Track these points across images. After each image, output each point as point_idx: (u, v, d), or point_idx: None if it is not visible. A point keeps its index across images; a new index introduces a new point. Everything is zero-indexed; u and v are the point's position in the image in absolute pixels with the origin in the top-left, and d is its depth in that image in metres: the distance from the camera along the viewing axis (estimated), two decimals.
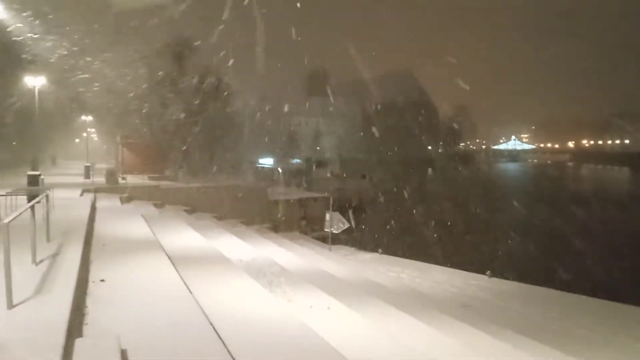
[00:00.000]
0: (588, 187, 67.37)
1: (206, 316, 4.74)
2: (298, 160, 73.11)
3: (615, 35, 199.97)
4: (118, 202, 15.51)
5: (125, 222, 10.38)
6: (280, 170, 47.38)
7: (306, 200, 27.59)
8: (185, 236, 10.35)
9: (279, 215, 23.96)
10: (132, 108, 28.58)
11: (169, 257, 7.28)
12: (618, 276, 18.11)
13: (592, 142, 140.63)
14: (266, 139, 64.47)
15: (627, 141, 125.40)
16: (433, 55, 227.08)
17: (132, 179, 22.33)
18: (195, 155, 30.64)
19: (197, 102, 29.17)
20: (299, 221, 25.61)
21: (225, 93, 32.04)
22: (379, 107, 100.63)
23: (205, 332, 4.33)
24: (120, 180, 20.89)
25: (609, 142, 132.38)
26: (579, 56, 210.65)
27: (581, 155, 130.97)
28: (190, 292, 5.47)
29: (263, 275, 8.38)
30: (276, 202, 24.99)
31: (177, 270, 6.45)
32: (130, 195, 17.54)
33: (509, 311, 9.43)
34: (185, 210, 18.13)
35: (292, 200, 26.07)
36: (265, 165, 54.95)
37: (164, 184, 21.78)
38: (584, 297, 12.41)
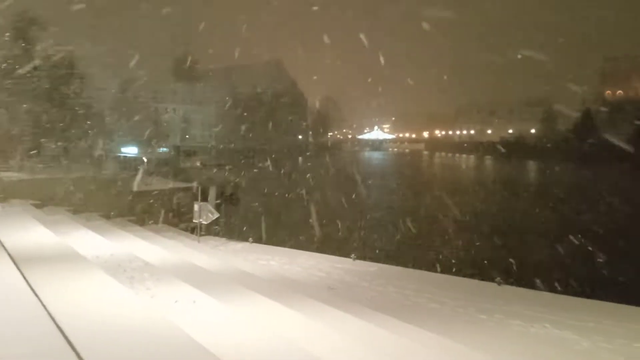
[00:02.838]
0: (439, 173, 74.14)
1: (54, 320, 4.33)
2: (165, 149, 69.92)
3: (463, 33, 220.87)
4: None
5: None
6: (145, 160, 44.94)
7: (173, 190, 26.51)
8: (32, 233, 9.35)
9: (143, 207, 22.74)
10: None
11: (11, 257, 6.52)
12: (463, 253, 20.24)
13: (443, 132, 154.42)
14: (129, 127, 60.72)
15: (472, 132, 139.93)
16: (302, 46, 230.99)
17: None
18: (47, 144, 27.82)
19: (47, 87, 26.45)
20: (166, 213, 24.56)
21: (81, 77, 29.51)
22: (248, 95, 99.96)
23: (53, 337, 3.96)
24: None
25: (458, 132, 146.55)
26: (433, 52, 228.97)
27: (434, 144, 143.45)
28: (36, 295, 4.96)
29: (123, 272, 7.89)
30: (140, 193, 23.65)
31: (20, 272, 5.81)
32: None
33: (370, 291, 10.02)
34: (34, 204, 16.37)
35: (158, 191, 24.87)
36: (128, 155, 51.65)
37: (6, 175, 19.46)
38: (436, 274, 13.68)
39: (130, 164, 40.08)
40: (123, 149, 54.59)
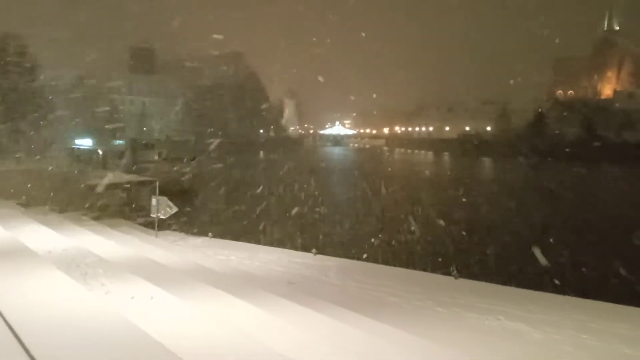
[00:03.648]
0: (398, 168, 75.27)
1: (2, 317, 4.15)
2: (122, 142, 68.01)
3: (423, 33, 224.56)
4: None
5: None
6: (100, 152, 43.64)
7: (130, 184, 25.84)
8: None
9: (99, 201, 22.07)
10: None
11: None
12: (420, 247, 20.63)
13: (403, 128, 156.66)
14: (84, 118, 58.77)
15: (431, 128, 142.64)
16: (265, 40, 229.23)
17: None
18: None
19: None
20: (123, 207, 23.91)
21: (29, 65, 28.30)
22: (209, 88, 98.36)
23: (2, 334, 3.79)
24: None
25: (417, 129, 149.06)
26: (394, 50, 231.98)
27: (395, 140, 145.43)
28: None
29: (76, 267, 7.64)
30: (96, 186, 22.93)
31: None
32: None
33: (329, 285, 10.07)
34: None
35: (114, 184, 24.19)
36: (82, 147, 49.97)
37: None
38: (395, 268, 13.89)
39: (86, 157, 38.84)
40: (77, 141, 52.79)
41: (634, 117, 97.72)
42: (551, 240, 21.57)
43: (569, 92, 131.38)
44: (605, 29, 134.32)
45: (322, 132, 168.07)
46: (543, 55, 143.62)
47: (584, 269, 17.03)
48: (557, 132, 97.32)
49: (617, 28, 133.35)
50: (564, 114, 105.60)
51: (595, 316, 8.24)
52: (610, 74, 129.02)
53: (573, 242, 21.61)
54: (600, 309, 9.03)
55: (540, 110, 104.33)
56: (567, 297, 9.99)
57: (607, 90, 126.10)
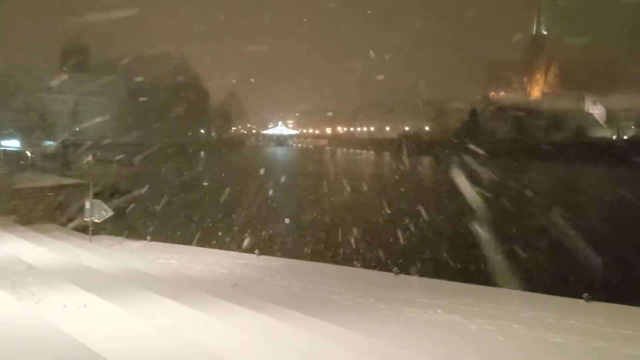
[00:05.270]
0: (341, 167, 76.18)
1: None
2: (52, 143, 64.76)
3: (363, 33, 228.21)
4: None
5: None
6: (29, 154, 41.34)
7: (63, 187, 24.60)
8: None
9: (28, 206, 20.89)
10: None
11: None
12: (364, 245, 20.97)
13: (345, 128, 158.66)
14: (11, 119, 55.54)
15: (372, 128, 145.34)
16: (206, 39, 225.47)
17: None
18: None
19: None
20: (54, 211, 22.73)
21: None
22: (146, 88, 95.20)
23: None
24: None
25: (358, 129, 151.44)
26: (335, 50, 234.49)
27: (337, 140, 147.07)
28: None
29: (4, 276, 7.23)
30: (24, 190, 21.67)
31: None
32: None
33: (273, 286, 10.05)
34: None
35: (45, 188, 22.94)
36: (9, 148, 47.14)
37: None
38: (338, 266, 14.04)
39: (12, 159, 36.63)
40: (3, 142, 49.75)
41: (560, 117, 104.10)
42: (485, 233, 22.60)
43: (501, 93, 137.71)
44: (534, 33, 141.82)
45: (265, 132, 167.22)
46: (479, 57, 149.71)
47: (516, 261, 17.92)
48: (489, 130, 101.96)
49: (545, 33, 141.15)
50: (497, 114, 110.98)
51: (525, 306, 8.70)
52: (539, 76, 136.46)
53: (506, 234, 22.70)
54: (530, 300, 9.53)
55: (474, 110, 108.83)
56: (500, 289, 10.49)
57: (535, 92, 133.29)
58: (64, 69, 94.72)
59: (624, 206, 35.43)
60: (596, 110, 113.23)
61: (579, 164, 70.03)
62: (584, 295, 9.27)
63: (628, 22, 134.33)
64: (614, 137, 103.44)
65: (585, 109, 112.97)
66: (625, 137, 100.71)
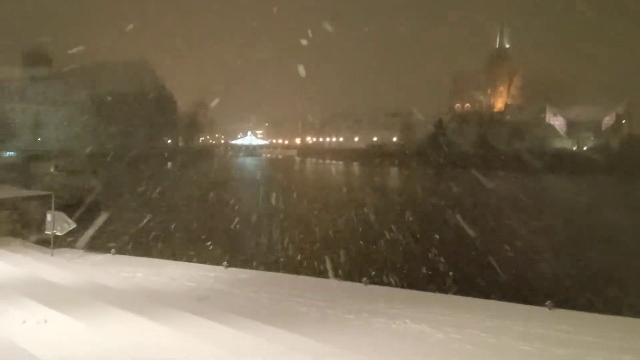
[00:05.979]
0: (310, 178, 76.26)
1: None
2: (12, 153, 62.72)
3: (334, 45, 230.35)
4: None
5: None
6: None
7: (22, 199, 23.78)
8: None
9: None
10: None
11: None
12: (334, 255, 20.97)
13: (314, 139, 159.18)
14: None
15: (341, 139, 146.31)
16: (173, 48, 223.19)
17: None
18: None
19: None
20: (14, 224, 21.92)
21: None
22: (110, 96, 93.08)
23: None
24: None
25: (327, 139, 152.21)
26: (305, 62, 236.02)
27: (306, 150, 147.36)
28: None
29: None
30: None
31: None
32: None
33: (242, 298, 9.94)
34: None
35: (4, 199, 22.13)
36: None
37: None
38: (307, 277, 14.01)
39: None
40: None
41: (523, 128, 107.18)
42: (450, 243, 22.94)
43: (466, 105, 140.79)
44: (497, 46, 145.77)
45: (233, 142, 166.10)
46: (445, 69, 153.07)
47: (482, 271, 18.24)
48: (455, 142, 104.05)
49: (508, 46, 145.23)
50: (461, 125, 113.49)
51: (492, 316, 8.85)
52: (502, 89, 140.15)
53: (473, 243, 23.09)
54: (495, 308, 9.72)
55: (440, 121, 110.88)
56: (467, 298, 10.65)
57: (499, 104, 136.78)
58: (25, 77, 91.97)
59: (585, 214, 36.63)
60: (557, 122, 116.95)
61: (541, 174, 72.19)
62: (546, 303, 9.50)
63: (589, 37, 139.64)
64: (574, 148, 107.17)
65: (547, 120, 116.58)
66: (584, 148, 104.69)
